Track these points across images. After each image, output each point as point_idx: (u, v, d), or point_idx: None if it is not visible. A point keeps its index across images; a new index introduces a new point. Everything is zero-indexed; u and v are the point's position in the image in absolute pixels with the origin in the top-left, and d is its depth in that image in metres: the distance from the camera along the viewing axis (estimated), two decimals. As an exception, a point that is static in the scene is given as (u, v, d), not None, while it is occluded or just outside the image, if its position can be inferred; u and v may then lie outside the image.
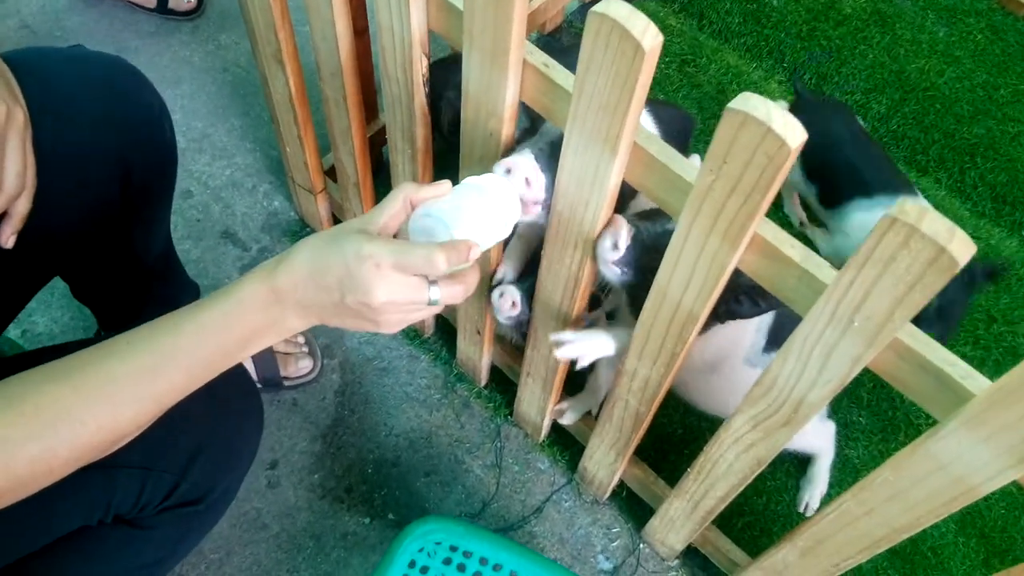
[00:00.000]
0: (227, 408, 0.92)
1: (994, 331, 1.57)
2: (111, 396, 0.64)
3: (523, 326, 1.17)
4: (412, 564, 0.96)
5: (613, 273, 0.92)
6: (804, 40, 1.95)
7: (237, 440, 0.94)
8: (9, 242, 0.82)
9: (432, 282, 0.70)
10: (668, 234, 0.81)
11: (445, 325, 1.49)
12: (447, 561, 0.97)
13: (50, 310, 1.47)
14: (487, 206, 0.79)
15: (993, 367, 1.54)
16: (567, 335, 1.02)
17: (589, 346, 1.03)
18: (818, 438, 1.32)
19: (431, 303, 0.70)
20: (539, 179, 0.89)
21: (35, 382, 0.63)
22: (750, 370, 1.12)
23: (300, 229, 1.60)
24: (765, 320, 1.09)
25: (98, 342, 0.66)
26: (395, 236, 0.74)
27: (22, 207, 0.81)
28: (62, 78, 0.87)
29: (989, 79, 1.94)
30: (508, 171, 0.88)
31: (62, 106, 0.86)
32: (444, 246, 0.68)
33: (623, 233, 0.88)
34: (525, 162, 0.88)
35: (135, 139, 0.94)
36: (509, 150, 0.93)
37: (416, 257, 0.67)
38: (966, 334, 1.56)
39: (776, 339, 1.11)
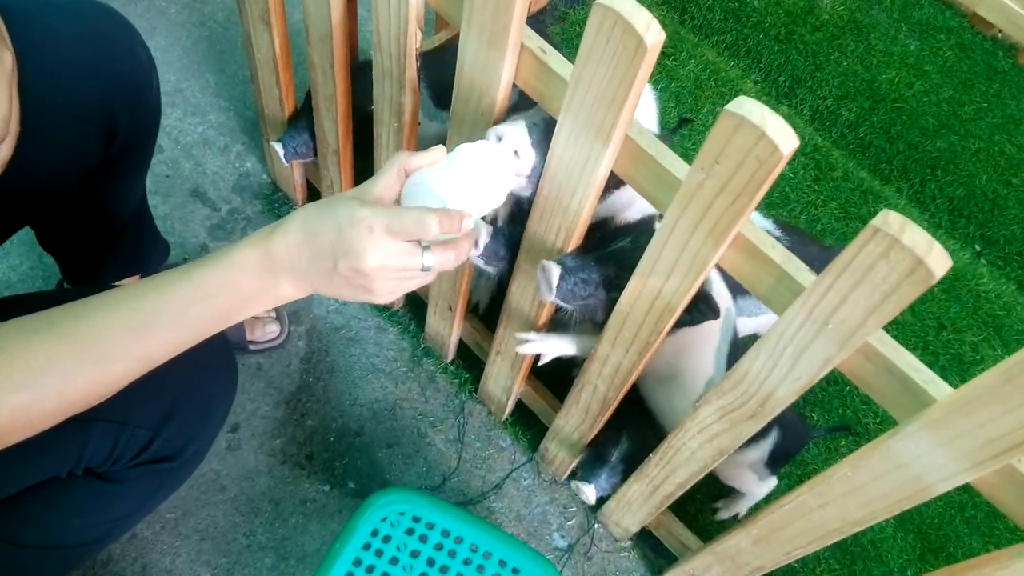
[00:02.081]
0: (204, 367, 0.91)
1: (943, 338, 1.64)
2: (102, 351, 0.63)
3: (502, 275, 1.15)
4: (375, 533, 0.97)
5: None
6: (782, 43, 1.99)
7: (212, 399, 0.94)
8: None
9: (425, 248, 0.70)
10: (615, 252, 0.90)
11: (414, 299, 1.49)
12: (409, 531, 0.98)
13: (8, 257, 1.43)
14: (481, 175, 0.79)
15: (939, 373, 1.59)
16: (532, 335, 1.10)
17: (550, 346, 1.11)
18: (757, 487, 1.31)
19: (424, 269, 0.71)
20: (528, 154, 0.89)
21: (23, 332, 0.62)
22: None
23: (272, 192, 1.59)
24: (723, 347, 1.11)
25: (67, 294, 0.66)
26: None
27: (4, 154, 0.79)
28: (52, 26, 0.85)
29: (955, 95, 2.00)
30: (500, 138, 0.88)
31: (51, 54, 0.83)
32: (437, 211, 0.69)
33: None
34: (517, 133, 0.88)
35: (122, 93, 0.92)
36: (501, 120, 0.93)
37: (408, 220, 0.68)
38: (916, 339, 1.62)
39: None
